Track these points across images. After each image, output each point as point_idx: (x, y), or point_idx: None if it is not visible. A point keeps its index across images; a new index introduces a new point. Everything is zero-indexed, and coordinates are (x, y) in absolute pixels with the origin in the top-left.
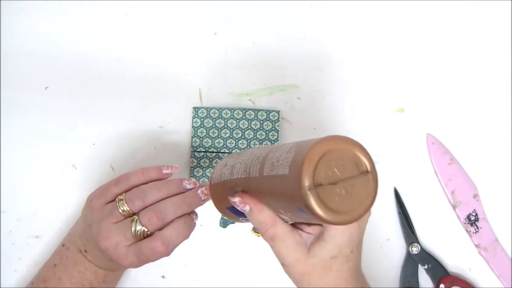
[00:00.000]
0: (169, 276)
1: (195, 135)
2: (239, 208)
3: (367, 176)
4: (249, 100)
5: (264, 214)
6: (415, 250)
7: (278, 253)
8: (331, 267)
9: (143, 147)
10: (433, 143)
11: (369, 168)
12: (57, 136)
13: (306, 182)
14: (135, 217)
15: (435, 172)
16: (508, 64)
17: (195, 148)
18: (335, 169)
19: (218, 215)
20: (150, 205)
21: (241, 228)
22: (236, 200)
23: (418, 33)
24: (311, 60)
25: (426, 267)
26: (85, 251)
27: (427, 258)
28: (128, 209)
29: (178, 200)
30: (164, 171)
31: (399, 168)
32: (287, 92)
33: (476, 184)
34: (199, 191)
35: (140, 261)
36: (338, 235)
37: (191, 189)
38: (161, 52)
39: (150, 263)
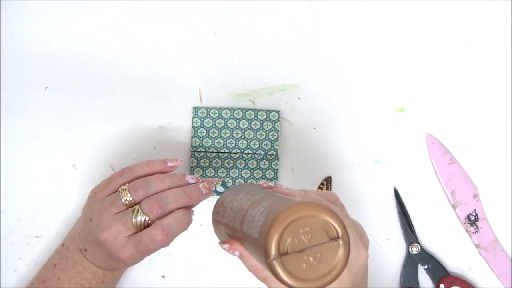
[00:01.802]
0: (169, 276)
1: (195, 135)
2: (229, 253)
3: (337, 242)
4: (249, 100)
5: (253, 259)
6: (415, 250)
7: None
8: None
9: (143, 147)
10: (433, 143)
11: (340, 233)
12: (57, 136)
13: (272, 252)
14: (137, 207)
15: (435, 172)
16: (508, 64)
17: (195, 148)
18: (302, 237)
19: None
20: (152, 195)
21: None
22: (225, 246)
23: (418, 33)
24: (311, 60)
25: (426, 267)
26: (85, 250)
27: (427, 258)
28: (130, 198)
29: (179, 191)
30: (169, 164)
31: (399, 168)
32: (287, 92)
33: (476, 184)
34: (200, 185)
35: (139, 252)
36: None
37: (193, 183)
38: (161, 52)
39: (150, 263)
